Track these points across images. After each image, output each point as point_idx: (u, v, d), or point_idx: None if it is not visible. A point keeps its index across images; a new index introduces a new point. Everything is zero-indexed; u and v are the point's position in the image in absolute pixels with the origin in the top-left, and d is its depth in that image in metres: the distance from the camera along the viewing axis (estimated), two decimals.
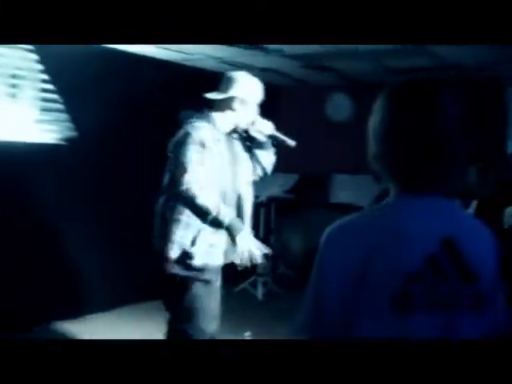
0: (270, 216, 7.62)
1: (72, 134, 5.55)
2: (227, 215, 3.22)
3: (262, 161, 3.59)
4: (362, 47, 5.42)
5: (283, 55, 6.00)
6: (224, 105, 3.36)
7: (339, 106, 7.76)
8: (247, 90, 3.35)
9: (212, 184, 3.24)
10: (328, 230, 1.47)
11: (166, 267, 3.27)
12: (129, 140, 5.97)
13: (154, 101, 6.05)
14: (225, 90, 3.36)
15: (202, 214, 3.19)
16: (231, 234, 3.25)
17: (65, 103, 5.45)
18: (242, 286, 6.85)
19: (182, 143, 3.24)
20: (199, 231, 3.23)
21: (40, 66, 5.27)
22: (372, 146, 1.49)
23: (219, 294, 3.50)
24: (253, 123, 3.45)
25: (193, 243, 3.22)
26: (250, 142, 3.58)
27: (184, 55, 6.10)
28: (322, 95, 7.90)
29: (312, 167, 7.71)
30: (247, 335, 5.05)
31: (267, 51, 5.82)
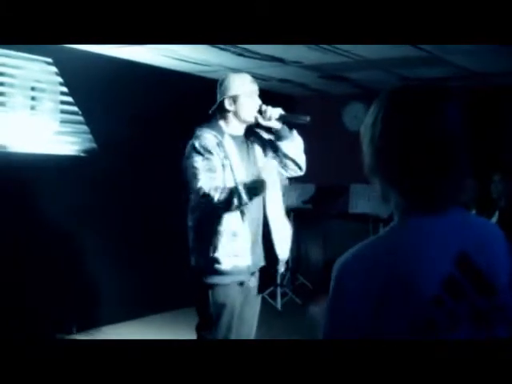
0: None
1: (92, 145, 5.59)
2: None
3: (288, 153, 3.42)
4: (377, 57, 5.41)
5: (301, 66, 6.02)
6: (223, 110, 3.38)
7: (356, 116, 7.75)
8: (233, 86, 3.34)
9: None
10: (340, 262, 1.37)
11: (196, 276, 3.32)
12: (148, 151, 5.99)
13: (174, 112, 6.07)
14: (217, 97, 3.40)
15: (228, 205, 3.19)
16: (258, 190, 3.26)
17: (84, 115, 5.49)
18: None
19: (188, 155, 3.30)
20: (221, 235, 3.23)
21: (59, 79, 5.32)
22: (369, 157, 1.40)
23: (255, 297, 3.49)
24: (261, 113, 3.37)
25: (216, 248, 3.23)
26: (268, 135, 3.49)
27: (202, 67, 6.13)
28: (338, 105, 7.90)
29: (330, 177, 7.69)
30: None
31: (285, 62, 5.83)
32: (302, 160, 3.48)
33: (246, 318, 3.45)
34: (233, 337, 3.33)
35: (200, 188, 3.19)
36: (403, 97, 1.38)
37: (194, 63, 5.98)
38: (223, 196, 3.17)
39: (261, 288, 3.54)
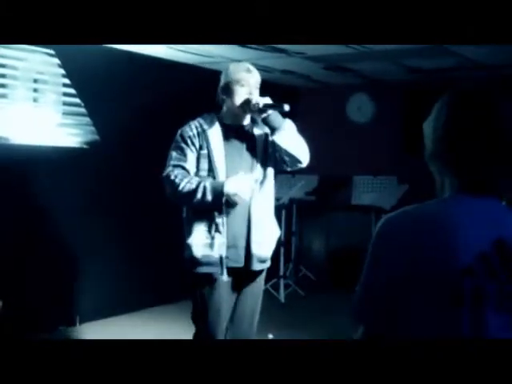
0: (291, 218, 7.60)
1: (94, 137, 5.58)
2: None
3: (282, 144, 3.26)
4: (382, 48, 5.39)
5: (304, 57, 5.99)
6: (219, 99, 3.39)
7: (360, 107, 7.73)
8: (227, 73, 3.33)
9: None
10: (383, 220, 1.51)
11: (184, 266, 3.36)
12: (151, 143, 5.97)
13: (176, 103, 6.06)
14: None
15: (190, 197, 3.18)
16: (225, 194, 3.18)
17: (87, 107, 5.48)
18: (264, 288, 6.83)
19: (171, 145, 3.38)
20: (194, 224, 3.27)
21: (62, 71, 5.30)
22: (431, 145, 1.54)
23: (227, 291, 3.37)
24: (247, 103, 3.26)
25: (189, 234, 3.27)
26: (259, 123, 3.38)
27: (204, 58, 6.11)
28: (342, 96, 7.87)
29: (333, 169, 7.68)
30: (270, 337, 5.03)
31: (288, 53, 5.81)
32: (298, 152, 3.31)
33: (244, 311, 3.45)
34: (223, 326, 3.35)
35: (166, 176, 3.26)
36: (463, 96, 1.54)
37: (197, 54, 5.96)
38: (187, 187, 3.17)
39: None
